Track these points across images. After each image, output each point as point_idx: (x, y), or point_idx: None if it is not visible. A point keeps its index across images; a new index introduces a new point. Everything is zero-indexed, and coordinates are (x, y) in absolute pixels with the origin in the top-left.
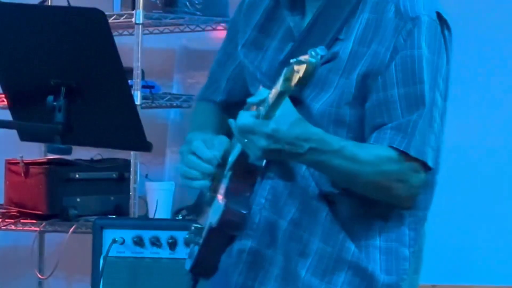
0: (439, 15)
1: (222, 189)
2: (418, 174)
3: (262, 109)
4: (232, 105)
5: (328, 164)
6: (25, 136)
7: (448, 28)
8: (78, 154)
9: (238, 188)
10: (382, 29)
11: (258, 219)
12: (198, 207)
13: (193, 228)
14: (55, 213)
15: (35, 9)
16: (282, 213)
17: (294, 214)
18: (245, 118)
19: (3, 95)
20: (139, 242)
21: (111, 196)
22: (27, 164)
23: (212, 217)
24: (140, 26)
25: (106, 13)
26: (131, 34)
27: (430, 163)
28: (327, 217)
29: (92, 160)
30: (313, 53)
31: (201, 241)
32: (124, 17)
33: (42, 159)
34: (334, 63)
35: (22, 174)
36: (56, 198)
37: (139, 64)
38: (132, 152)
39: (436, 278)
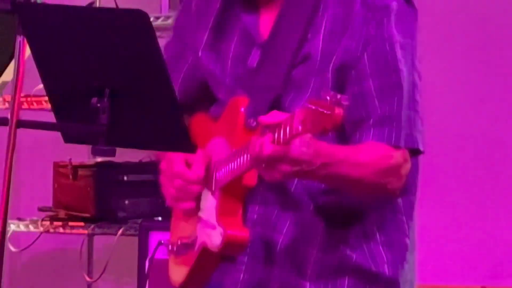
0: None
1: (209, 208)
2: (407, 163)
3: (281, 135)
4: (186, 107)
5: (337, 174)
6: (69, 138)
7: (412, 5)
8: (126, 156)
9: (229, 208)
10: (350, 22)
11: (253, 236)
12: None
13: (179, 243)
14: (103, 216)
15: (78, 11)
16: (275, 227)
17: (288, 228)
18: (268, 147)
19: (47, 97)
20: None
21: (159, 199)
22: (76, 167)
23: (205, 236)
24: None
25: (154, 14)
26: None
27: (420, 147)
28: (323, 228)
29: (140, 162)
30: (341, 103)
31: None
32: (171, 18)
33: (90, 161)
34: (307, 64)
35: (71, 177)
36: (105, 200)
37: None
38: None
39: None
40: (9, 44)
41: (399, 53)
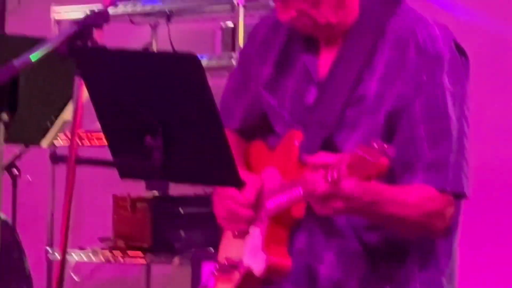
0: (456, 46)
1: (257, 233)
2: (451, 206)
3: (329, 176)
4: (245, 133)
5: (384, 212)
6: (124, 173)
7: (465, 54)
8: (182, 190)
9: (276, 236)
10: (404, 68)
11: (297, 264)
12: None
13: (226, 263)
14: (160, 246)
15: (132, 55)
16: (319, 258)
17: (332, 259)
18: (321, 185)
19: (103, 134)
20: None
21: (212, 230)
22: (134, 200)
23: (250, 261)
24: None
25: (207, 55)
26: None
27: (466, 191)
28: (365, 261)
29: (195, 196)
30: (387, 153)
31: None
32: (224, 59)
33: (148, 195)
34: (360, 105)
35: (129, 209)
36: (161, 231)
37: None
38: None
39: None
40: (69, 85)
41: (449, 101)
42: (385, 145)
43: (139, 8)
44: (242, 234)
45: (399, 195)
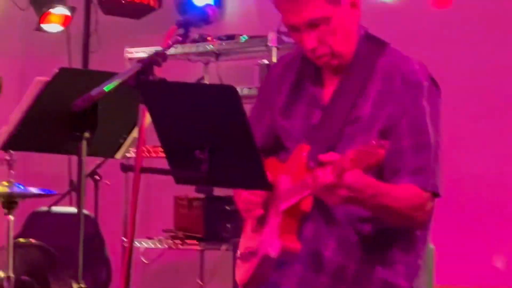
0: (432, 78)
1: (273, 223)
2: (431, 202)
3: (338, 168)
4: (265, 151)
5: (380, 203)
6: (179, 180)
7: (437, 86)
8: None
9: (288, 226)
10: (392, 94)
11: (306, 249)
12: None
13: (246, 251)
14: (211, 236)
15: (184, 87)
16: (323, 243)
17: (333, 245)
18: (328, 176)
19: (161, 149)
20: None
21: None
22: (190, 200)
23: (266, 246)
24: None
25: (247, 86)
26: None
27: (440, 191)
28: (360, 247)
29: None
30: (383, 146)
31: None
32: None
33: (202, 195)
34: (357, 124)
35: (187, 207)
36: (212, 224)
37: None
38: None
39: None
40: (137, 110)
41: (428, 120)
42: (381, 141)
43: (194, 49)
44: (259, 228)
45: (393, 190)
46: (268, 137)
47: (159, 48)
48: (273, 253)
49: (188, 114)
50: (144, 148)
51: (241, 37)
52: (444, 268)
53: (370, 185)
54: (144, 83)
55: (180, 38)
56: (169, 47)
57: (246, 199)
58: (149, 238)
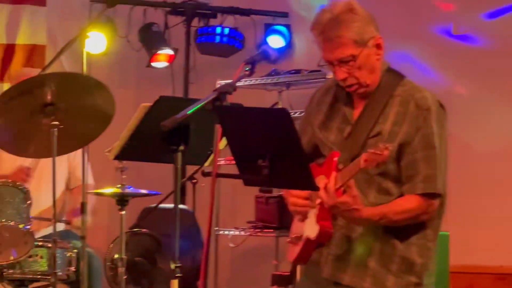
0: (440, 104)
1: (313, 214)
2: (432, 205)
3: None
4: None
5: (388, 221)
6: (247, 182)
7: (444, 109)
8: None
9: (324, 215)
10: (408, 116)
11: (339, 234)
12: None
13: (294, 236)
14: (283, 225)
15: (251, 110)
16: (353, 229)
17: (361, 230)
18: (331, 196)
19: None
20: None
21: None
22: (267, 198)
23: (308, 232)
24: None
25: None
26: None
27: (442, 192)
28: (383, 230)
29: None
30: (387, 145)
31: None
32: None
33: (276, 194)
34: (378, 138)
35: (264, 203)
36: (284, 216)
37: None
38: None
39: None
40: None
41: (436, 137)
42: (387, 144)
43: (269, 80)
44: (303, 219)
45: (396, 207)
46: (309, 146)
47: (230, 81)
48: (312, 236)
49: (252, 131)
50: (219, 158)
51: (304, 71)
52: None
53: (374, 213)
54: (218, 108)
55: (247, 73)
56: (238, 80)
57: (293, 203)
58: (236, 228)
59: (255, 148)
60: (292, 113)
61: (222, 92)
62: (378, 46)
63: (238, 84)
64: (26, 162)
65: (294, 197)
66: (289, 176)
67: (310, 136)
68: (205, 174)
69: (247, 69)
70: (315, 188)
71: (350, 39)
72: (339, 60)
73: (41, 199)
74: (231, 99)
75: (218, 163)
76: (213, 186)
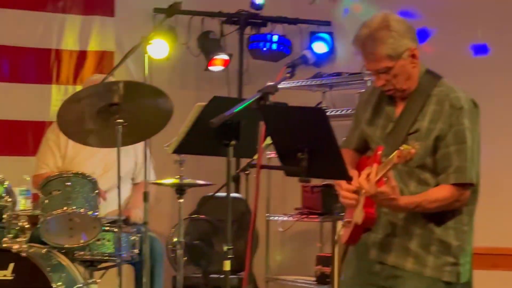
0: (474, 102)
1: (360, 203)
2: (464, 194)
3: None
4: (358, 151)
5: (422, 209)
6: (288, 173)
7: (477, 107)
8: None
9: (370, 202)
10: (443, 114)
11: (384, 220)
12: None
13: (345, 221)
14: (327, 211)
15: (291, 109)
16: (396, 215)
17: (403, 215)
18: (370, 184)
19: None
20: None
21: None
22: (312, 187)
23: (356, 217)
24: None
25: (352, 107)
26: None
27: (474, 182)
28: (422, 216)
29: None
30: (416, 146)
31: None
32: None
33: (320, 184)
34: (417, 134)
35: (309, 191)
36: (327, 203)
37: None
38: None
39: None
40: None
41: (467, 133)
42: (415, 143)
43: (314, 82)
44: (353, 207)
45: (430, 197)
46: (360, 141)
47: (272, 83)
48: (359, 221)
49: (292, 127)
50: (269, 152)
51: (345, 74)
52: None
53: (410, 202)
54: (262, 107)
55: (288, 75)
56: (280, 81)
57: (343, 196)
58: (285, 214)
59: (295, 143)
60: (335, 111)
61: (266, 93)
62: (413, 56)
63: (288, 85)
64: (98, 154)
65: (344, 191)
66: (325, 167)
67: (360, 131)
68: (251, 166)
69: (288, 72)
70: (348, 178)
71: (384, 55)
72: (376, 71)
73: (108, 201)
74: (281, 99)
75: (268, 156)
76: (258, 177)
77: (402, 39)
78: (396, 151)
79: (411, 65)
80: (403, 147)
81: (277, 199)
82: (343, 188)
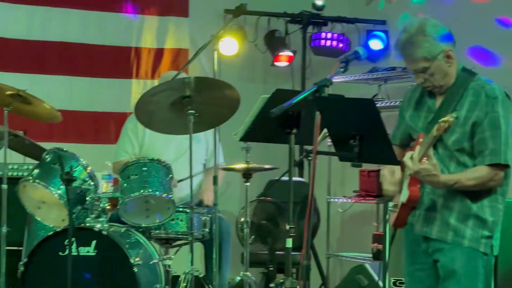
0: (506, 94)
1: (405, 184)
2: (499, 174)
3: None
4: (402, 146)
5: (461, 186)
6: (342, 159)
7: (510, 98)
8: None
9: (414, 182)
10: (479, 104)
11: (427, 198)
12: None
13: (393, 204)
14: (382, 194)
15: (342, 100)
16: (438, 193)
17: (444, 193)
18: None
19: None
20: None
21: None
22: (369, 171)
23: (402, 197)
24: None
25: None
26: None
27: (509, 163)
28: (461, 193)
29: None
30: (452, 115)
31: (397, 210)
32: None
33: (376, 168)
34: (456, 121)
35: (366, 175)
36: (379, 186)
37: None
38: None
39: None
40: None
41: (502, 119)
42: (452, 114)
43: (370, 76)
44: (400, 191)
45: (468, 175)
46: (404, 135)
47: (327, 76)
48: (404, 200)
49: (345, 116)
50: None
51: (398, 68)
52: None
53: (450, 179)
54: (318, 98)
55: (342, 70)
56: (334, 75)
57: (385, 190)
58: (344, 196)
59: (347, 131)
60: (389, 103)
61: (321, 85)
62: (448, 57)
63: (347, 79)
64: (173, 142)
65: (387, 184)
66: (375, 153)
67: (404, 127)
68: (308, 152)
69: (341, 66)
70: (397, 163)
71: (421, 57)
72: (414, 70)
73: (182, 185)
74: (341, 91)
75: (329, 144)
76: (314, 162)
77: (437, 42)
78: (435, 125)
79: (447, 64)
80: (441, 120)
81: (337, 183)
82: (387, 180)
